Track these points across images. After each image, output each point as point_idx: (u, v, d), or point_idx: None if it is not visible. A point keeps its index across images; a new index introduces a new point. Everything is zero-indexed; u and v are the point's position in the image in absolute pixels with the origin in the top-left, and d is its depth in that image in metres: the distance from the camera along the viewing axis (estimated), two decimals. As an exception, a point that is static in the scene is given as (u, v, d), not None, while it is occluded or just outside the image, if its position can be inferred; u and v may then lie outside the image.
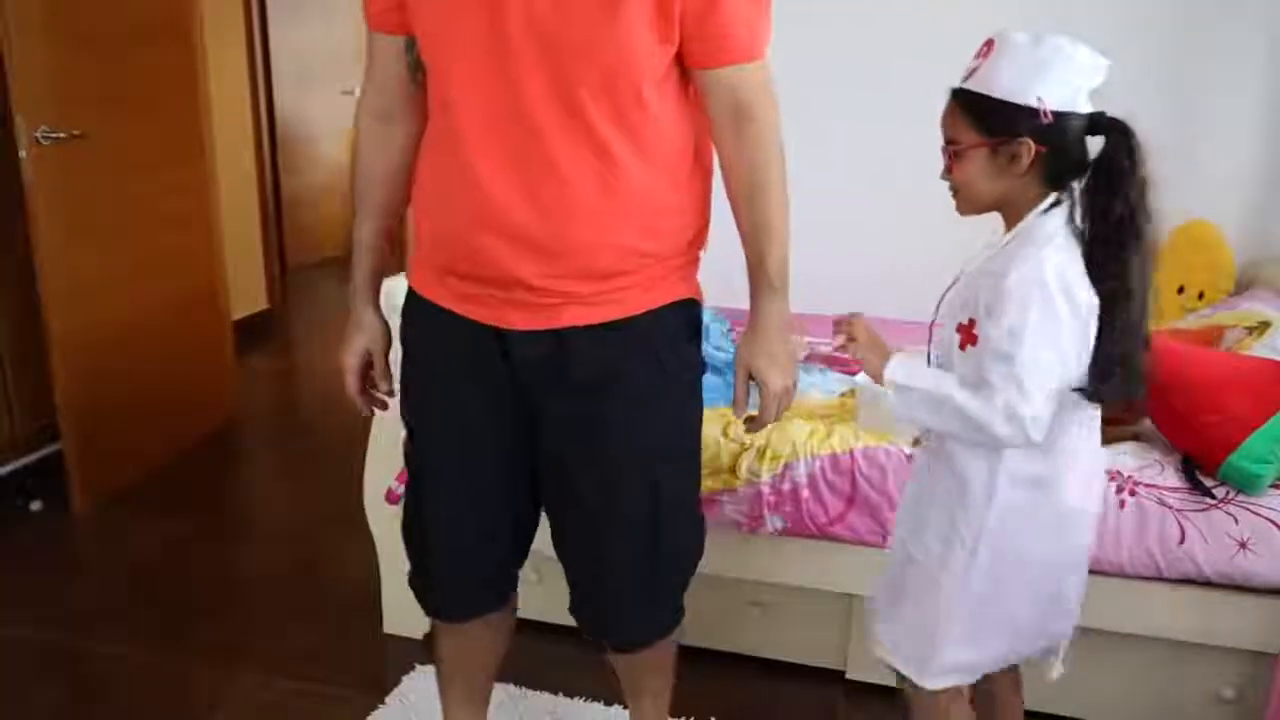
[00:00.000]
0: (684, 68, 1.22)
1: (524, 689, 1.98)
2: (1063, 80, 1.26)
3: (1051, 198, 1.29)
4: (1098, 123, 1.27)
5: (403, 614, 2.17)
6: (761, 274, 1.30)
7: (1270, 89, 2.54)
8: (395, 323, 1.45)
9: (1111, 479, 1.77)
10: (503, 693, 1.92)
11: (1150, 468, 1.80)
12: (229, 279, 3.44)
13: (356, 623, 2.24)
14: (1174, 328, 2.28)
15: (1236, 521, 1.73)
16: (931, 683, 1.41)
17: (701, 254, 1.36)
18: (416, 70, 1.30)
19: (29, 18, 2.47)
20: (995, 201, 1.32)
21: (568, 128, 1.17)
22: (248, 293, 4.13)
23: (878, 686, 1.99)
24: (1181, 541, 1.74)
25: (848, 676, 2.02)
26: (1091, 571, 1.78)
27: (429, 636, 2.16)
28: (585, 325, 1.26)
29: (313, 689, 2.02)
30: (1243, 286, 2.51)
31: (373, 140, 1.38)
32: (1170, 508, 1.75)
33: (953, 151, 1.32)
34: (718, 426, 1.93)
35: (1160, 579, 1.78)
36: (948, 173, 1.34)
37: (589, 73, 1.15)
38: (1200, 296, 2.52)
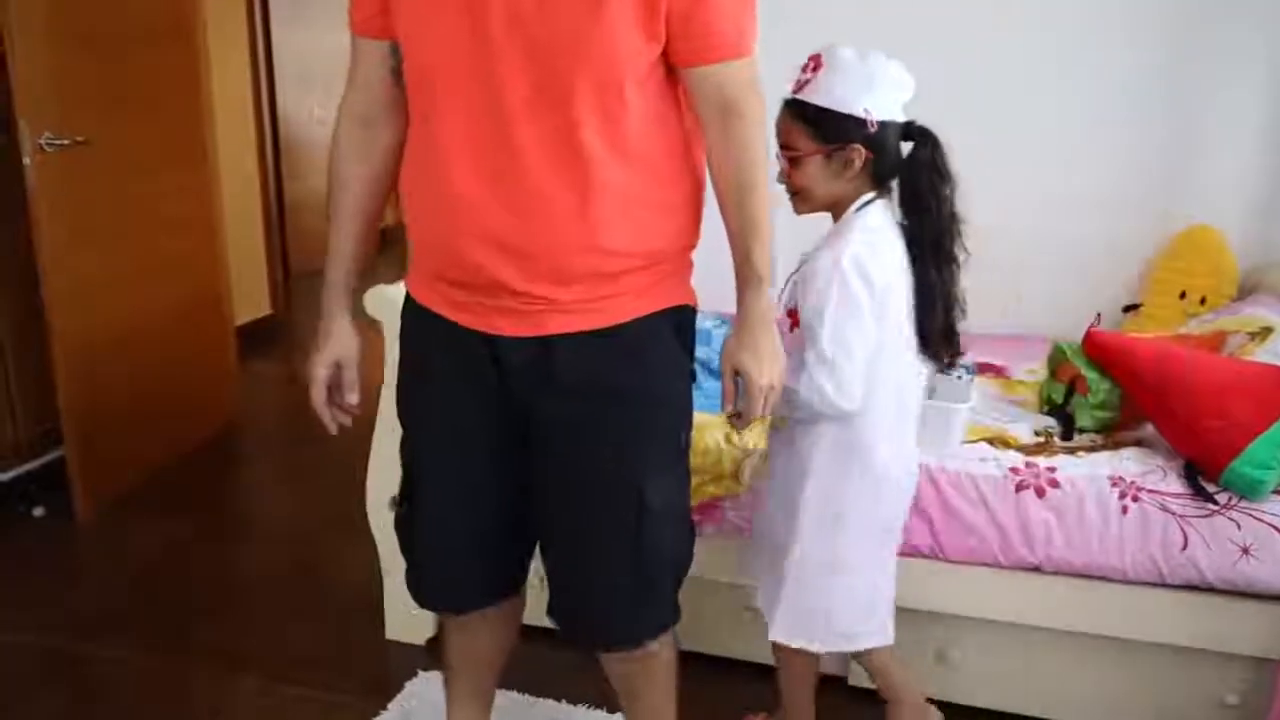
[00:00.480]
0: (670, 66, 1.22)
1: (527, 695, 1.98)
2: (885, 93, 1.44)
3: (866, 196, 1.48)
4: (910, 131, 1.47)
5: (405, 620, 2.17)
6: (748, 270, 1.29)
7: (1272, 91, 2.53)
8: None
9: (1114, 484, 1.77)
10: (506, 699, 1.92)
11: (1153, 473, 1.79)
12: (232, 284, 3.44)
13: (358, 628, 2.24)
14: (1177, 333, 2.28)
15: (1239, 527, 1.72)
16: (780, 637, 1.61)
17: (693, 256, 1.36)
18: (400, 76, 1.30)
19: (32, 24, 2.47)
20: (829, 202, 1.50)
21: (548, 129, 1.17)
22: (251, 298, 4.13)
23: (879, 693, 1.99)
24: (1184, 547, 1.74)
25: (850, 683, 2.01)
26: (1093, 577, 1.80)
27: (432, 642, 2.16)
28: (572, 333, 1.26)
29: (314, 695, 2.02)
30: (1245, 292, 2.51)
31: (352, 145, 1.37)
32: (1173, 513, 1.74)
33: (790, 158, 1.48)
34: (721, 432, 1.92)
35: (1162, 585, 1.78)
36: (785, 177, 1.50)
37: (572, 71, 1.15)
38: (1203, 302, 2.51)
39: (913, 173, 1.47)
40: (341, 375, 1.42)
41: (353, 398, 1.44)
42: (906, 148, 1.48)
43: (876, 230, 1.47)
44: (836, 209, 1.50)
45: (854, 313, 1.42)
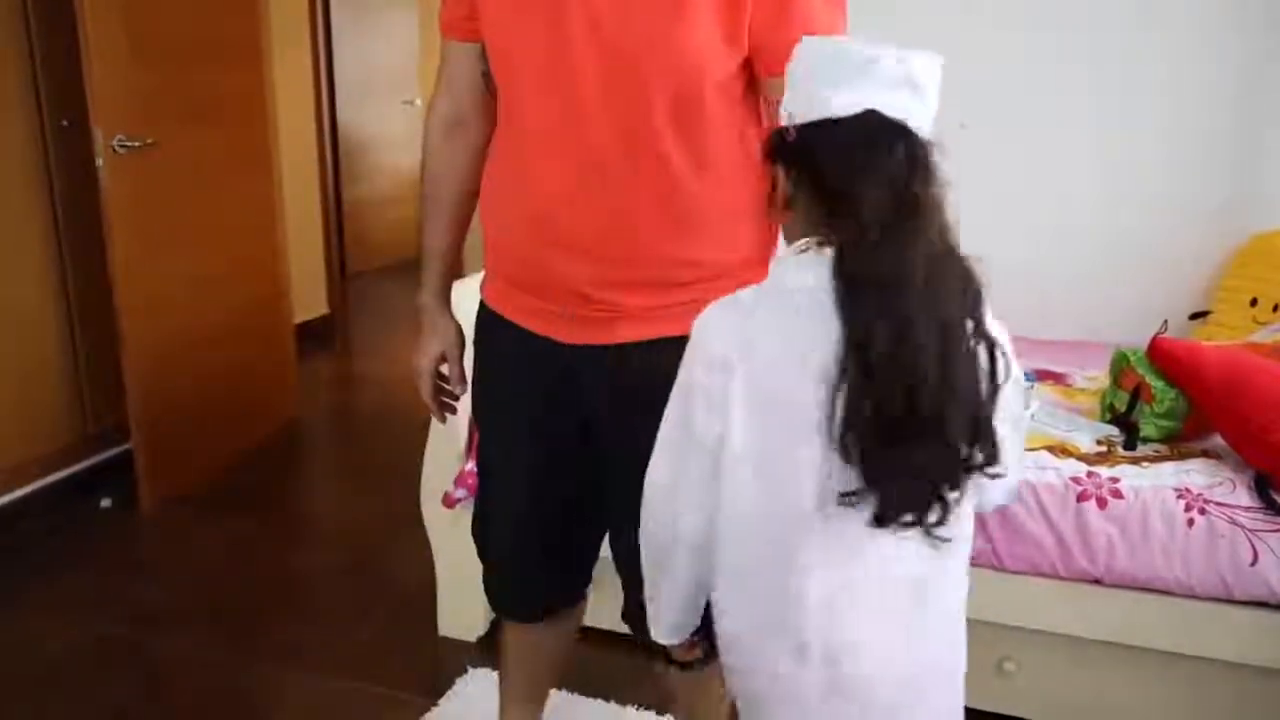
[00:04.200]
0: (752, 75, 1.20)
1: (576, 695, 1.98)
2: (811, 83, 0.96)
3: (804, 243, 0.98)
4: (869, 125, 0.94)
5: (457, 617, 2.20)
6: None
7: (1350, 94, 2.46)
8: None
9: (1179, 496, 1.73)
10: (556, 698, 1.92)
11: (1221, 485, 1.74)
12: (291, 284, 3.52)
13: (412, 624, 2.27)
14: (1248, 342, 2.21)
15: (1313, 543, 1.67)
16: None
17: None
18: (490, 78, 1.31)
19: (107, 33, 2.55)
20: (797, 237, 1.01)
21: (625, 135, 1.17)
22: (309, 297, 4.22)
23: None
24: (1254, 562, 1.69)
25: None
26: (1157, 591, 1.76)
27: (483, 640, 2.18)
28: (644, 340, 1.25)
29: (369, 689, 2.05)
30: (1320, 299, 2.43)
31: (443, 146, 1.39)
32: (1242, 527, 1.69)
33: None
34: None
35: (1230, 601, 1.73)
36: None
37: (650, 77, 1.14)
38: (1275, 310, 2.43)
39: (870, 195, 0.93)
40: (447, 368, 1.46)
41: (460, 389, 1.47)
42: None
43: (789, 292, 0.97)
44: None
45: (692, 402, 1.01)
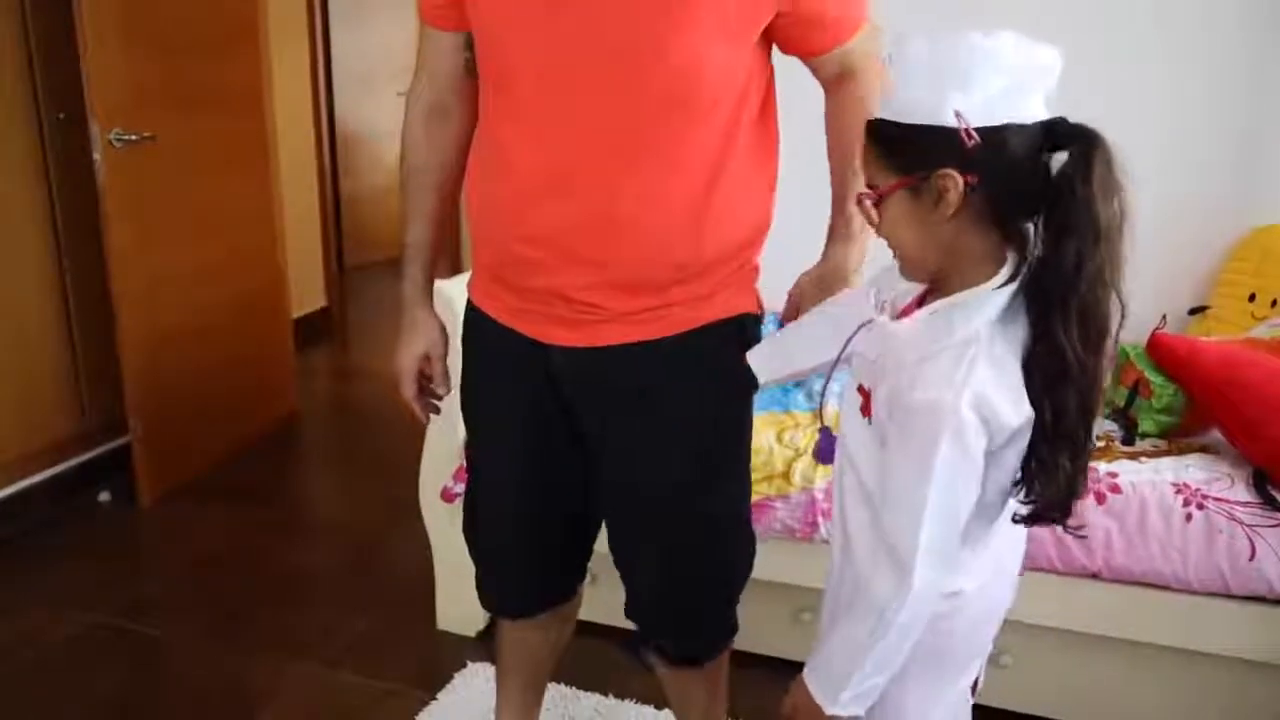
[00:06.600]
0: (746, 78, 1.18)
1: (574, 689, 1.99)
2: (989, 84, 0.92)
3: (1003, 273, 0.96)
4: (1055, 133, 0.93)
5: (456, 611, 2.20)
6: (841, 223, 1.28)
7: (1350, 89, 2.45)
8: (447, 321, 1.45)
9: (1178, 491, 1.73)
10: (553, 692, 1.93)
11: (1219, 480, 1.75)
12: (289, 278, 3.51)
13: (411, 618, 2.27)
14: (1247, 337, 2.21)
15: (1310, 538, 1.67)
16: None
17: (760, 261, 1.32)
18: (472, 68, 1.27)
19: (104, 25, 2.54)
20: (936, 259, 1.00)
21: (615, 134, 1.14)
22: (307, 291, 4.21)
23: None
24: (1251, 557, 1.69)
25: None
26: (1156, 586, 1.76)
27: (481, 634, 2.18)
28: (627, 343, 1.23)
29: (367, 683, 2.05)
30: (1318, 294, 2.43)
31: (424, 137, 1.35)
32: (1240, 522, 1.69)
33: (874, 200, 1.01)
34: (772, 431, 1.92)
35: (1228, 595, 1.73)
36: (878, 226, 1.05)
37: (647, 75, 1.12)
38: (1273, 305, 2.43)
39: (1055, 207, 0.92)
40: (430, 367, 1.42)
41: (443, 390, 1.43)
42: (1059, 161, 0.93)
43: (997, 338, 0.95)
44: (948, 274, 1.00)
45: (965, 479, 0.97)
